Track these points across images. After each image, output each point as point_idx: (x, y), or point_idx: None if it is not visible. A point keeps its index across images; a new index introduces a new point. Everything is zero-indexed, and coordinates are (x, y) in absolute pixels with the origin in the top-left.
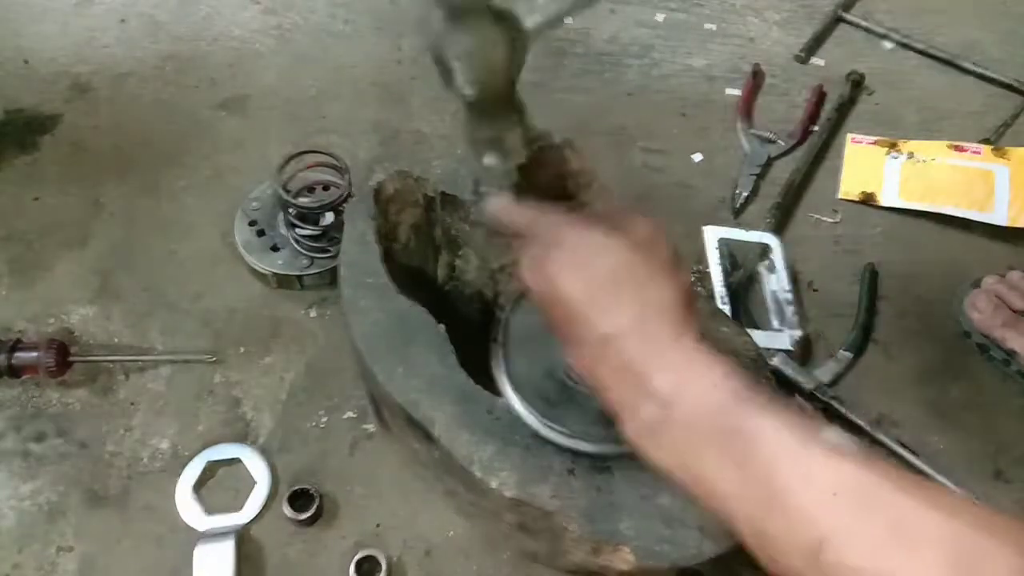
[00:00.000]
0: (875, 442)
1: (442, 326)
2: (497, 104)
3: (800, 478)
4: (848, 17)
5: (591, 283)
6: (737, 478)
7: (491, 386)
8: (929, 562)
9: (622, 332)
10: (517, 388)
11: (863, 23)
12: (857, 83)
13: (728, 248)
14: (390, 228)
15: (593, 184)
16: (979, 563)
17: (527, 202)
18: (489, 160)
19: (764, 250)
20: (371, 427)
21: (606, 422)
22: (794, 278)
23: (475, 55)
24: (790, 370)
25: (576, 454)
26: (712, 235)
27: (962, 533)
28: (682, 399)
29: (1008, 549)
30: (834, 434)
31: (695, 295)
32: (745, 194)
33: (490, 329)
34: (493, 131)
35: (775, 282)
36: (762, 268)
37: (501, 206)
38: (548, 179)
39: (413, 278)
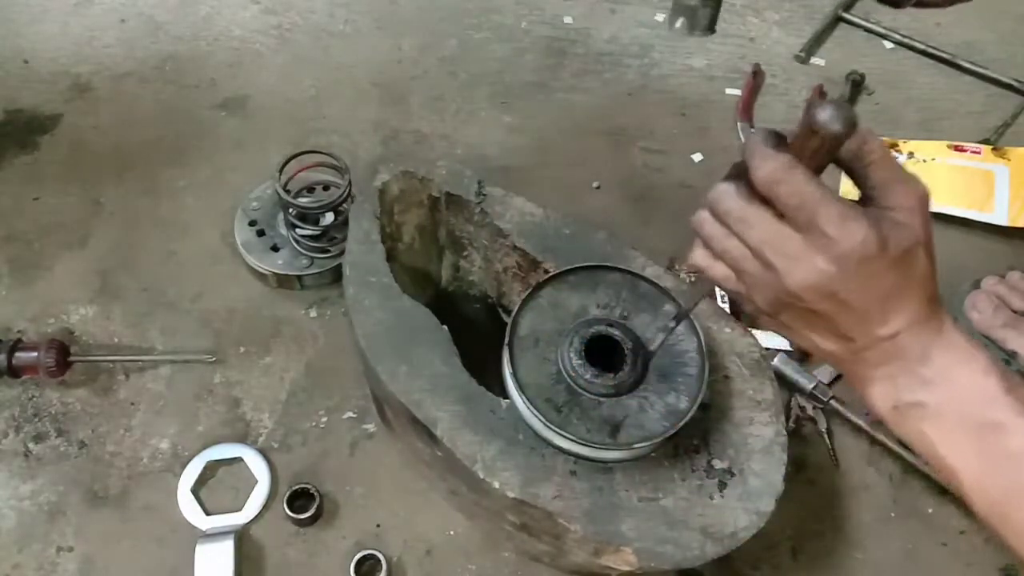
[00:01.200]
0: (875, 442)
1: (445, 327)
2: None
3: None
4: (848, 17)
5: (873, 293)
6: (983, 467)
7: (494, 386)
8: None
9: (898, 332)
10: (524, 391)
11: (863, 23)
12: (857, 83)
13: None
14: (394, 228)
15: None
16: None
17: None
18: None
19: None
20: (371, 427)
21: (611, 428)
22: None
23: None
24: (790, 370)
25: (581, 459)
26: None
27: None
28: (944, 385)
29: None
30: None
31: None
32: None
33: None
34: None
35: None
36: None
37: (792, 169)
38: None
39: (417, 278)
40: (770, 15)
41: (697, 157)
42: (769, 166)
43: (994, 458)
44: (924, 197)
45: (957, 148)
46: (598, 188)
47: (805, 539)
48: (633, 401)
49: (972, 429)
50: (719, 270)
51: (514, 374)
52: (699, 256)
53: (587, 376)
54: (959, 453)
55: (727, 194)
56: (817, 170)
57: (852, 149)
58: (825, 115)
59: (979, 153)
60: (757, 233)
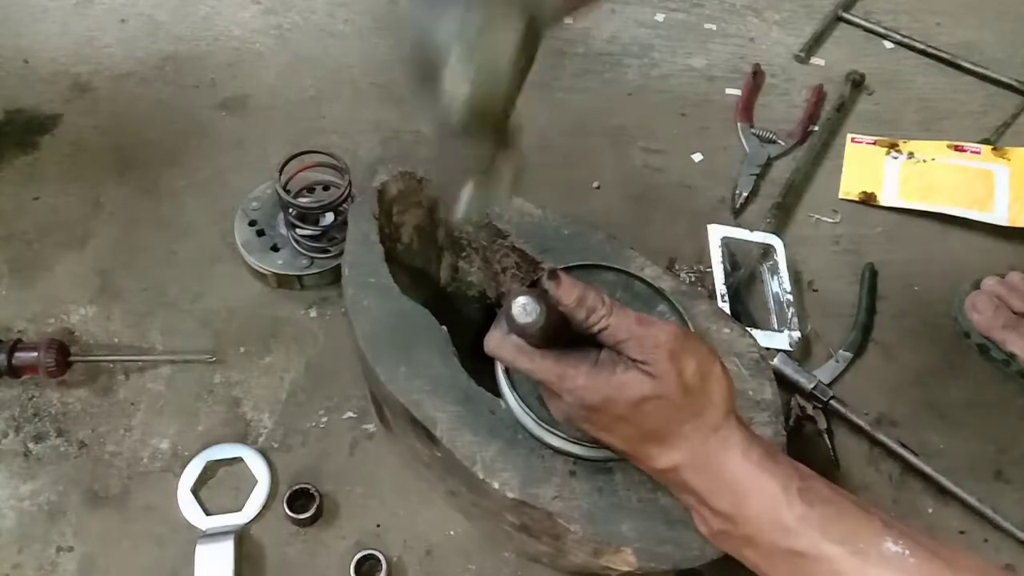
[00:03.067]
0: (875, 442)
1: (444, 327)
2: (489, 119)
3: None
4: (848, 17)
5: (632, 435)
6: None
7: (493, 387)
8: None
9: (675, 467)
10: (516, 389)
11: (863, 23)
12: (857, 83)
13: (729, 248)
14: (393, 229)
15: (595, 309)
16: None
17: (536, 348)
18: (467, 197)
19: (766, 251)
20: (371, 427)
21: None
22: (794, 278)
23: (481, 38)
24: (790, 370)
25: (580, 460)
26: (716, 234)
27: None
28: (743, 518)
29: None
30: (893, 544)
31: (733, 392)
32: (745, 194)
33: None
34: (476, 157)
35: (777, 283)
36: (764, 269)
37: (514, 352)
38: (556, 316)
39: (416, 279)
40: (770, 15)
41: (697, 157)
42: (490, 344)
43: None
44: (664, 345)
45: (957, 148)
46: (598, 188)
47: None
48: None
49: (783, 556)
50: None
51: (507, 372)
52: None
53: None
54: None
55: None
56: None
57: (578, 321)
58: (515, 310)
59: (979, 153)
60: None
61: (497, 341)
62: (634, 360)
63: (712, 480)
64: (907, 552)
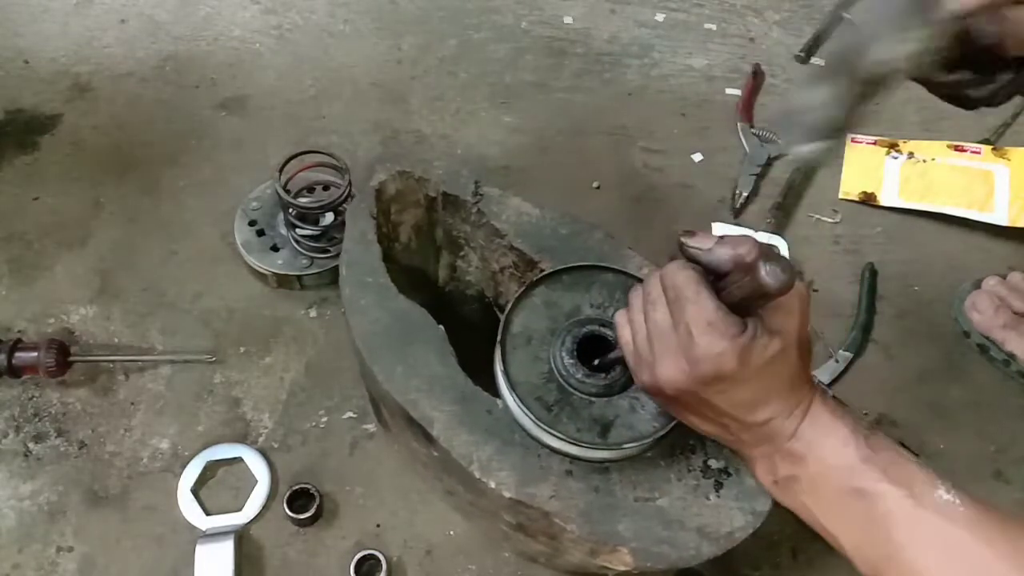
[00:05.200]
0: None
1: (442, 327)
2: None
3: (914, 539)
4: (848, 17)
5: (745, 398)
6: (858, 533)
7: (490, 387)
8: None
9: (770, 418)
10: (515, 389)
11: None
12: None
13: None
14: (391, 228)
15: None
16: None
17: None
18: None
19: None
20: (371, 427)
21: (602, 427)
22: None
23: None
24: None
25: (576, 460)
26: (719, 232)
27: None
28: (815, 458)
29: None
30: (946, 492)
31: (810, 351)
32: (745, 194)
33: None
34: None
35: None
36: None
37: (693, 280)
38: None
39: (414, 278)
40: (770, 15)
41: (697, 157)
42: (671, 265)
43: (865, 524)
44: (803, 297)
45: (957, 148)
46: (598, 188)
47: (805, 539)
48: (624, 401)
49: (843, 497)
50: (624, 335)
51: (505, 372)
52: (619, 315)
53: (578, 375)
54: (836, 521)
55: (657, 275)
56: (739, 303)
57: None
58: (766, 276)
59: (979, 153)
60: (654, 318)
61: (679, 266)
62: (767, 312)
63: (797, 425)
64: (958, 502)
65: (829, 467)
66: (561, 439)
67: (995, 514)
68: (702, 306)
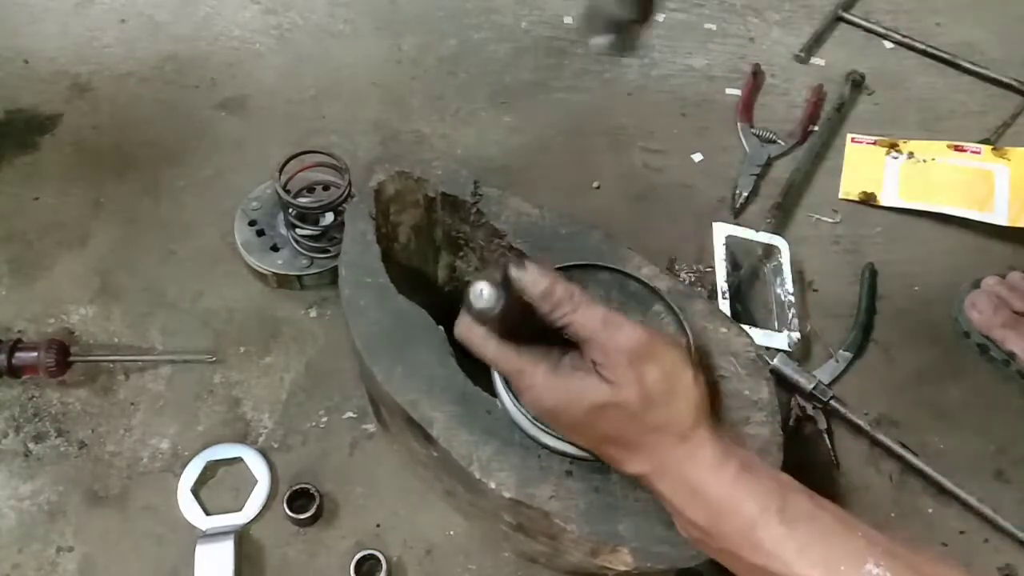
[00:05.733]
0: (875, 442)
1: (441, 327)
2: None
3: None
4: (848, 17)
5: (593, 440)
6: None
7: (490, 387)
8: None
9: (643, 475)
10: (511, 389)
11: (863, 23)
12: (857, 83)
13: (730, 247)
14: (390, 228)
15: (560, 304)
16: None
17: (499, 338)
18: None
19: (769, 251)
20: (371, 427)
21: None
22: (794, 278)
23: None
24: (790, 370)
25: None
26: (720, 232)
27: None
28: (719, 534)
29: None
30: (875, 568)
31: (707, 402)
32: (745, 194)
33: None
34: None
35: (779, 284)
36: (767, 269)
37: (479, 339)
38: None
39: (413, 279)
40: (770, 15)
41: (697, 157)
42: (458, 328)
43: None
44: (626, 350)
45: (957, 148)
46: (598, 188)
47: None
48: None
49: (760, 573)
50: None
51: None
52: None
53: None
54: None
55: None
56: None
57: (543, 313)
58: (472, 294)
59: (979, 153)
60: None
61: (465, 326)
62: (595, 363)
63: (683, 492)
64: (888, 575)
65: (737, 544)
66: (558, 439)
67: None
68: (508, 359)
